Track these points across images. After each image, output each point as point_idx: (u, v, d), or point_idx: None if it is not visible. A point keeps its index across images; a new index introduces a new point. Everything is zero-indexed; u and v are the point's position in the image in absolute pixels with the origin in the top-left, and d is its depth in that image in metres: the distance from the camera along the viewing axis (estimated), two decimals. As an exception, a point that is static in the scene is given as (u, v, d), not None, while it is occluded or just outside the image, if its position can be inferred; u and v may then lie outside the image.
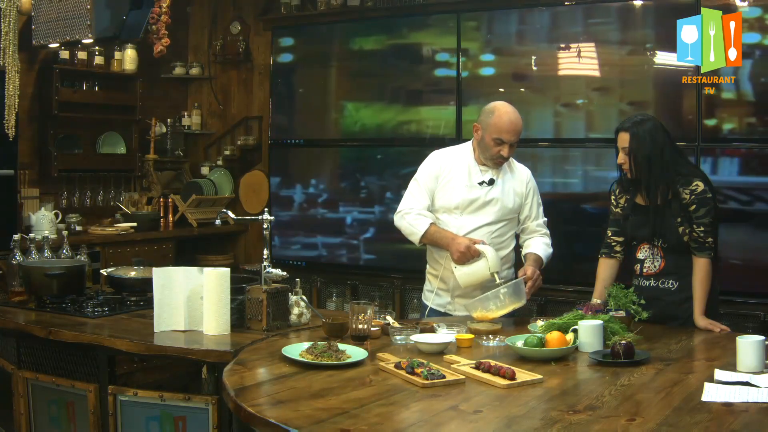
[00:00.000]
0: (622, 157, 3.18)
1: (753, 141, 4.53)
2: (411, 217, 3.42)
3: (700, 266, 3.11)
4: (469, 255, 3.26)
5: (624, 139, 3.15)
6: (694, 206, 3.10)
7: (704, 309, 3.09)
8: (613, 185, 3.38)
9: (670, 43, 4.41)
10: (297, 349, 2.55)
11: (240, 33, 6.44)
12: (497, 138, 3.33)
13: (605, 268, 3.34)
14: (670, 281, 3.17)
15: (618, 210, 3.33)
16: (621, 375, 2.37)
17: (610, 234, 3.37)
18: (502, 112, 3.35)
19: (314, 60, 6.03)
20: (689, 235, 3.11)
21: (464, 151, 3.50)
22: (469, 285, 3.33)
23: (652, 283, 3.21)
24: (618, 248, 3.35)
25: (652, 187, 3.13)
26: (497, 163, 3.41)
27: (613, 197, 3.36)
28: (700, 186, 3.11)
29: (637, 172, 3.15)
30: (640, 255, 3.25)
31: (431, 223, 3.39)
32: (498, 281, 3.20)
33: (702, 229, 3.10)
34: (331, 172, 5.97)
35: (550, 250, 3.53)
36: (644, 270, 3.22)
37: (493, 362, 2.37)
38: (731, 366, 2.41)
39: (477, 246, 3.26)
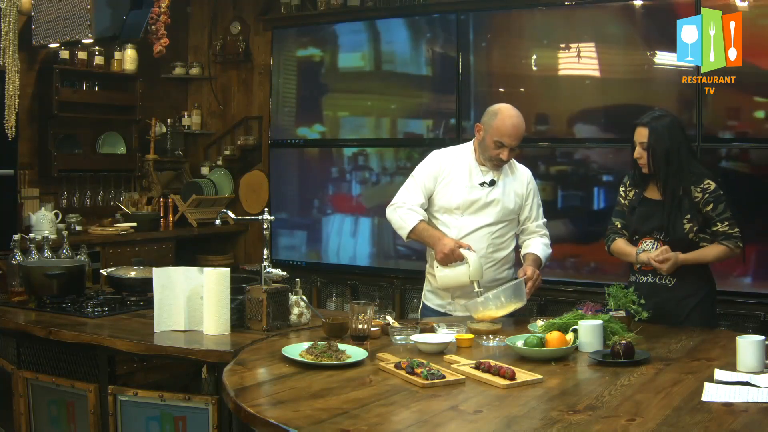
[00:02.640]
0: (639, 152, 3.18)
1: (753, 141, 4.53)
2: (402, 210, 3.41)
3: (718, 246, 3.12)
4: (452, 257, 3.25)
5: (642, 134, 3.16)
6: (711, 205, 3.11)
7: (686, 262, 3.08)
8: (624, 178, 3.39)
9: (670, 43, 4.41)
10: (297, 349, 2.55)
11: (240, 33, 6.45)
12: (498, 141, 3.32)
13: (623, 241, 3.31)
14: (668, 277, 3.17)
15: (625, 203, 3.33)
16: (621, 375, 2.37)
17: (618, 225, 3.35)
18: (505, 115, 3.33)
19: (314, 59, 6.03)
20: (711, 234, 3.13)
21: (465, 151, 3.50)
22: (447, 287, 3.34)
23: (650, 278, 3.21)
24: (626, 234, 3.33)
25: (670, 182, 3.14)
26: (495, 165, 3.40)
27: (622, 189, 3.37)
28: (712, 185, 3.13)
29: (654, 166, 3.15)
30: (640, 249, 3.25)
31: (421, 220, 3.38)
32: (477, 290, 3.17)
33: (726, 224, 3.12)
34: (331, 171, 5.97)
35: (549, 250, 3.52)
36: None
37: (493, 362, 2.36)
38: (731, 366, 2.41)
39: (462, 251, 3.25)
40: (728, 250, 3.14)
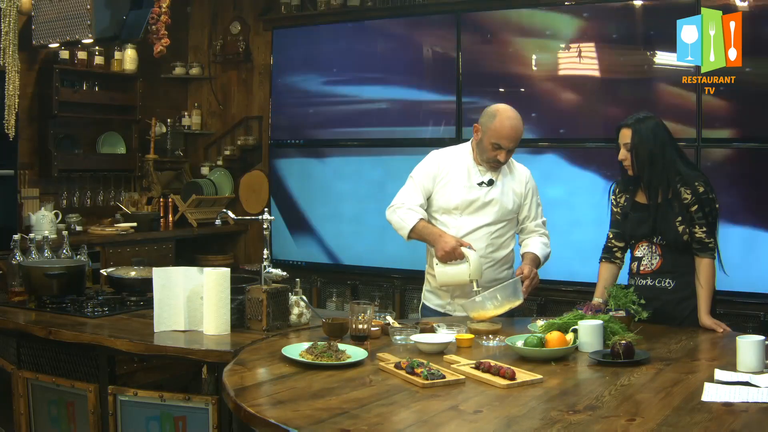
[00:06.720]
0: (623, 153, 3.17)
1: (752, 141, 4.53)
2: (402, 211, 3.41)
3: (705, 266, 3.10)
4: (453, 255, 3.24)
5: (626, 135, 3.15)
6: (695, 207, 3.09)
7: (710, 308, 3.08)
8: (612, 186, 3.37)
9: (670, 43, 4.41)
10: (297, 349, 2.55)
11: (240, 33, 6.45)
12: (495, 143, 3.32)
13: (606, 271, 3.34)
14: (667, 280, 3.17)
15: (618, 210, 3.33)
16: (621, 375, 2.37)
17: (611, 236, 3.36)
18: (504, 117, 3.32)
19: (314, 60, 6.03)
20: (690, 235, 3.11)
21: (463, 151, 3.50)
22: (446, 284, 3.33)
23: (649, 281, 3.20)
24: (618, 254, 3.33)
25: (653, 184, 3.13)
26: (493, 166, 3.40)
27: (612, 197, 3.35)
28: (701, 187, 3.10)
29: (638, 168, 3.14)
30: (638, 253, 3.24)
31: (420, 219, 3.38)
32: (476, 289, 3.17)
33: (704, 230, 3.10)
34: (330, 172, 5.97)
35: (549, 249, 3.52)
36: (641, 268, 3.21)
37: (493, 362, 2.36)
38: (731, 366, 2.41)
39: (463, 249, 3.25)
40: (711, 263, 3.10)
